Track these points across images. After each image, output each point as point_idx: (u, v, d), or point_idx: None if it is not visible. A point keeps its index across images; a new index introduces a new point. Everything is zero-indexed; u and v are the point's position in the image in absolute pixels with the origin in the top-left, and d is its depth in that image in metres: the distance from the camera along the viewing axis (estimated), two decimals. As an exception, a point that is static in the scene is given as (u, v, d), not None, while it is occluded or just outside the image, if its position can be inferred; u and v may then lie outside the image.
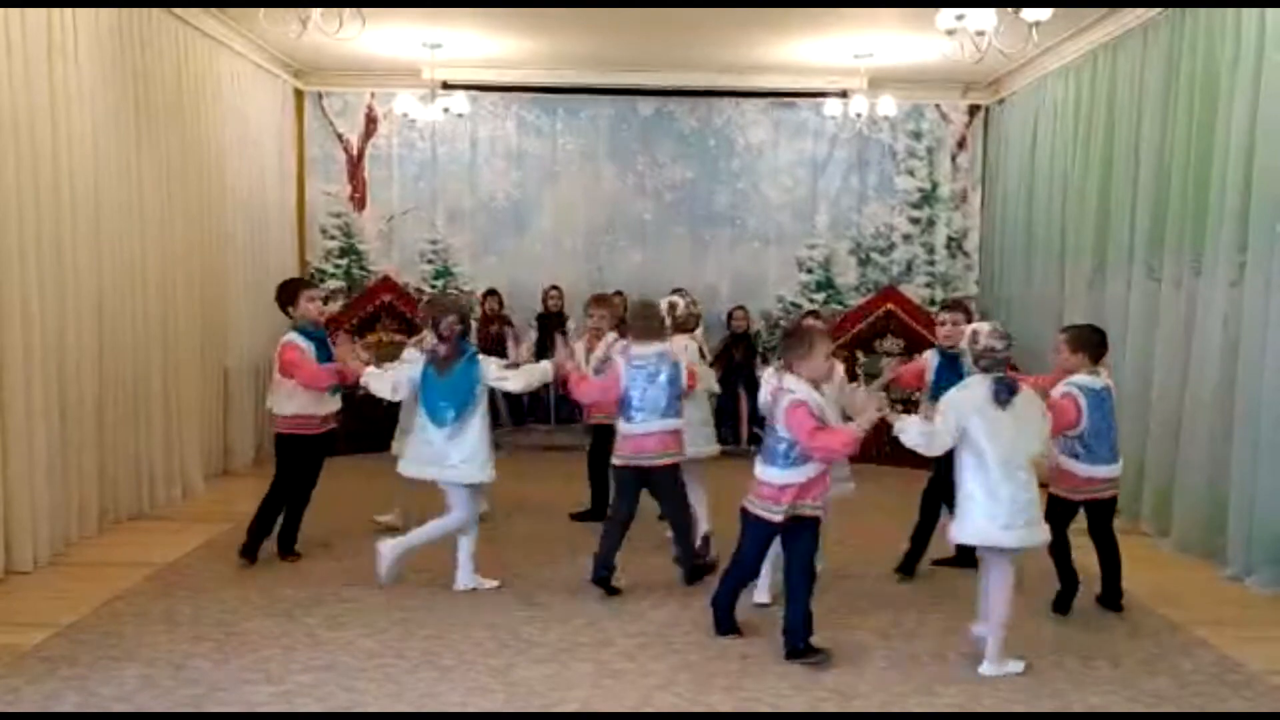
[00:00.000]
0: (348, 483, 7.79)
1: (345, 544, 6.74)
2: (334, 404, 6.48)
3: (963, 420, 4.74)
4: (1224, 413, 6.57)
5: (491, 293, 10.82)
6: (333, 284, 11.15)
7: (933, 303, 11.31)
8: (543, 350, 8.55)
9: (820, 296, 11.43)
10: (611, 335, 6.97)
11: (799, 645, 4.90)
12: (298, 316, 6.32)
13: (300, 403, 6.27)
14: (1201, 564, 6.62)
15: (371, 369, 6.04)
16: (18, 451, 6.06)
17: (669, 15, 8.56)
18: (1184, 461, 6.97)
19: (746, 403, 10.15)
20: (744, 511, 5.05)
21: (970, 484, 4.78)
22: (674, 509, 6.08)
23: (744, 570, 5.23)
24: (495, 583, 5.97)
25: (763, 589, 5.66)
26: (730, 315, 10.78)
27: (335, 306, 10.22)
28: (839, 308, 11.24)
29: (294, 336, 6.25)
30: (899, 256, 11.52)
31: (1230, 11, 6.69)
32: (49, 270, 6.40)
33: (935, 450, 4.82)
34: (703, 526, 6.45)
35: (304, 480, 6.44)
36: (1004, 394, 4.76)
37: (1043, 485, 5.13)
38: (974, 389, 4.82)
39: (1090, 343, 5.56)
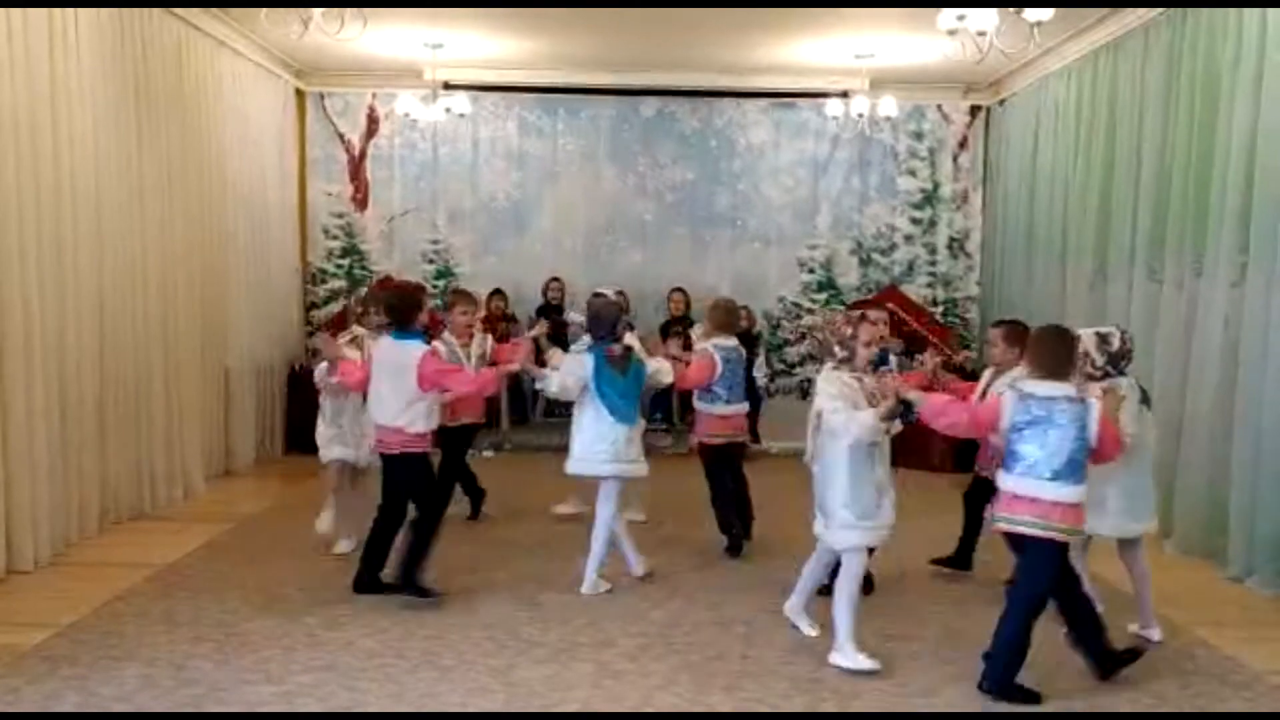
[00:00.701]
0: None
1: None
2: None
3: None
4: (1224, 413, 6.57)
5: (497, 292, 10.82)
6: (334, 284, 11.18)
7: (934, 303, 11.35)
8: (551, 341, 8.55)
9: (822, 297, 11.43)
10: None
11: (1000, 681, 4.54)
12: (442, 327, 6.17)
13: (436, 416, 5.85)
14: (1202, 565, 6.62)
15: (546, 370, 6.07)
16: (18, 451, 6.06)
17: (670, 16, 8.56)
18: (1185, 462, 6.96)
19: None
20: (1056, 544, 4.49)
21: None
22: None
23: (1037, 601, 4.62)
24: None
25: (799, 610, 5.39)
26: (731, 315, 10.75)
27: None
28: (840, 309, 11.24)
29: (427, 345, 5.87)
30: (900, 257, 11.52)
31: (1231, 11, 6.69)
32: (49, 270, 6.41)
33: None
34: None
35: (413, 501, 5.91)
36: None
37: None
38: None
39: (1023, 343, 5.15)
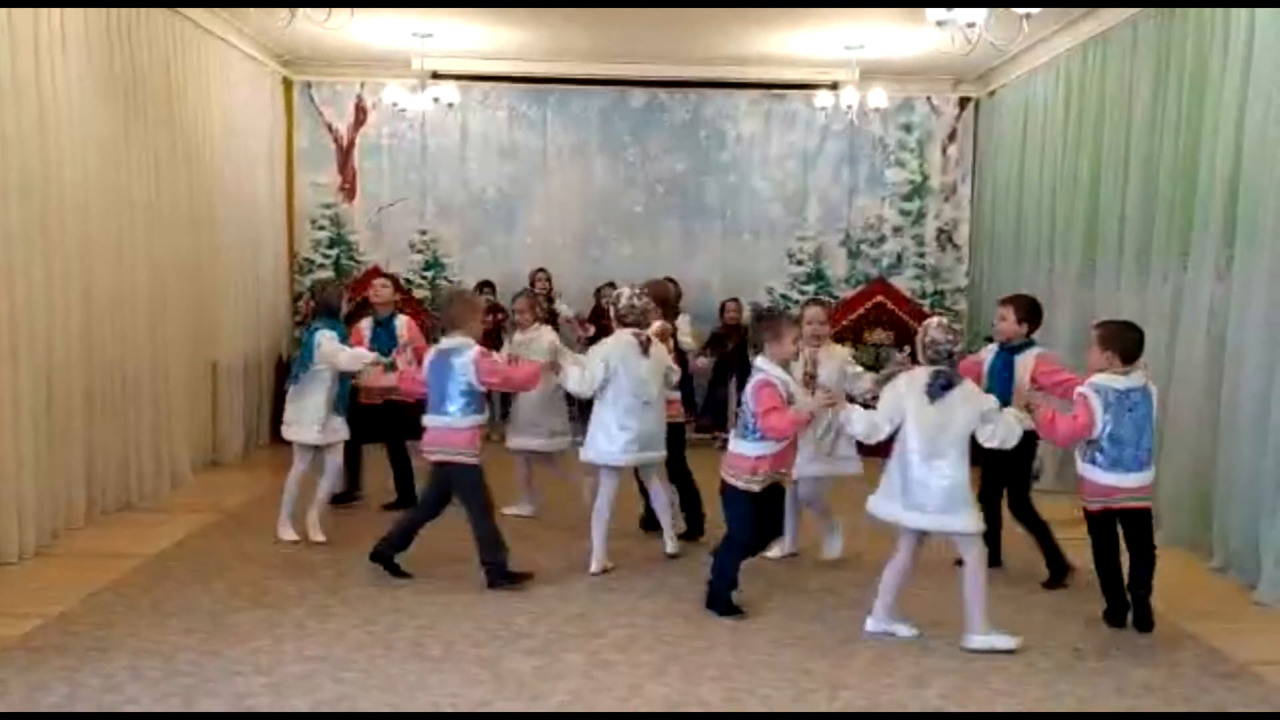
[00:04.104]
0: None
1: (335, 535, 6.73)
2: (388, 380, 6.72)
3: (901, 410, 5.05)
4: (1210, 405, 6.60)
5: (486, 284, 10.80)
6: (322, 274, 11.15)
7: (923, 295, 11.36)
8: None
9: (811, 288, 11.43)
10: (658, 323, 6.69)
11: (720, 600, 5.40)
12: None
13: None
14: (1188, 556, 6.65)
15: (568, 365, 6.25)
16: (4, 442, 6.03)
17: (660, 7, 8.54)
18: (1170, 455, 6.99)
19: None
20: (724, 486, 5.40)
21: (889, 470, 5.13)
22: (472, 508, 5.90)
23: (740, 544, 5.45)
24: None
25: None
26: (723, 307, 10.80)
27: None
28: (829, 299, 11.26)
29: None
30: (889, 249, 11.53)
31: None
32: (36, 259, 6.36)
33: (877, 439, 5.12)
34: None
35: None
36: (938, 388, 4.99)
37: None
38: (911, 380, 5.12)
39: (1123, 341, 5.19)
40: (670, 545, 6.47)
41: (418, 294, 11.20)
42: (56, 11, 6.60)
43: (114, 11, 7.39)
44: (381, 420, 7.46)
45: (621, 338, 6.21)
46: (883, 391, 5.32)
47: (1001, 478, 6.08)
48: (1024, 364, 5.89)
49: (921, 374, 5.08)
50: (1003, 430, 5.03)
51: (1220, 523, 6.41)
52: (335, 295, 6.91)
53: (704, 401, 10.47)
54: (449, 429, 5.79)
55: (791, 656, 4.88)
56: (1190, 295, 6.93)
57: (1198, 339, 6.79)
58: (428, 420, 5.88)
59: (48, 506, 6.49)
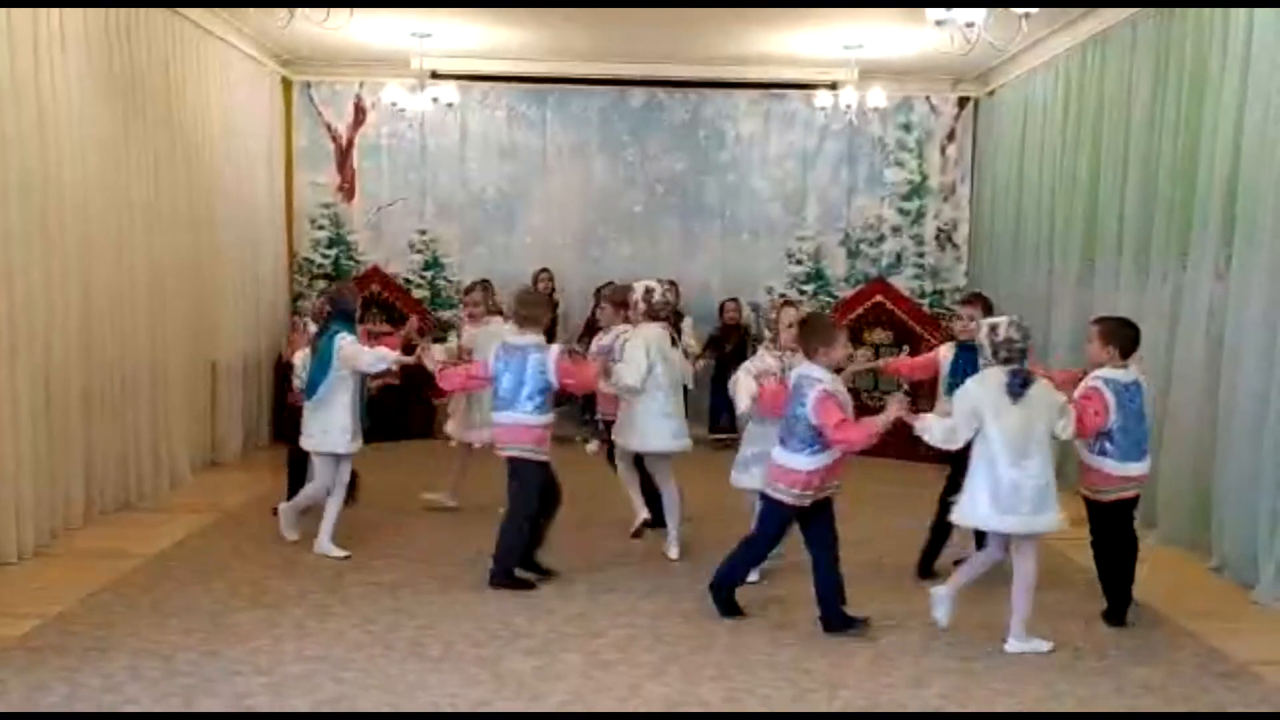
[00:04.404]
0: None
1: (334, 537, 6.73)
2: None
3: (979, 412, 4.90)
4: (1209, 405, 6.60)
5: (486, 284, 10.76)
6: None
7: (922, 295, 11.35)
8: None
9: (810, 288, 11.44)
10: (621, 326, 6.85)
11: (835, 616, 5.15)
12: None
13: None
14: (1187, 556, 6.66)
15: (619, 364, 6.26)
16: (4, 442, 6.02)
17: (659, 8, 8.54)
18: (1169, 454, 6.99)
19: None
20: (766, 497, 5.24)
21: (973, 473, 4.95)
22: (515, 508, 5.92)
23: (758, 552, 5.44)
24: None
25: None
26: (722, 307, 10.81)
27: None
28: (829, 299, 11.28)
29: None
30: (888, 248, 11.52)
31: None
32: (36, 259, 6.36)
33: (956, 445, 4.98)
34: (641, 512, 6.79)
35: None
36: (1018, 386, 4.90)
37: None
38: (985, 382, 4.97)
39: (1121, 337, 5.36)
40: (674, 550, 6.47)
41: (416, 294, 11.20)
42: (56, 11, 6.59)
43: (113, 11, 7.39)
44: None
45: (654, 330, 6.35)
46: (954, 397, 5.11)
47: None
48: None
49: (995, 374, 4.96)
50: (1072, 424, 5.08)
51: (1219, 522, 6.40)
52: (351, 298, 6.74)
53: (709, 405, 10.45)
54: (523, 425, 5.80)
55: (791, 656, 4.88)
56: (1189, 295, 6.93)
57: (1197, 338, 6.79)
58: (499, 417, 5.88)
59: (47, 506, 6.48)
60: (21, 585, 5.72)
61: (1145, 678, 4.73)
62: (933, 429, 5.01)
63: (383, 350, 6.43)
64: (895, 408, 4.95)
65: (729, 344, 10.50)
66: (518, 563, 5.87)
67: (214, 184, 9.14)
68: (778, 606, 5.57)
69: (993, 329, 5.05)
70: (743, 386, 5.64)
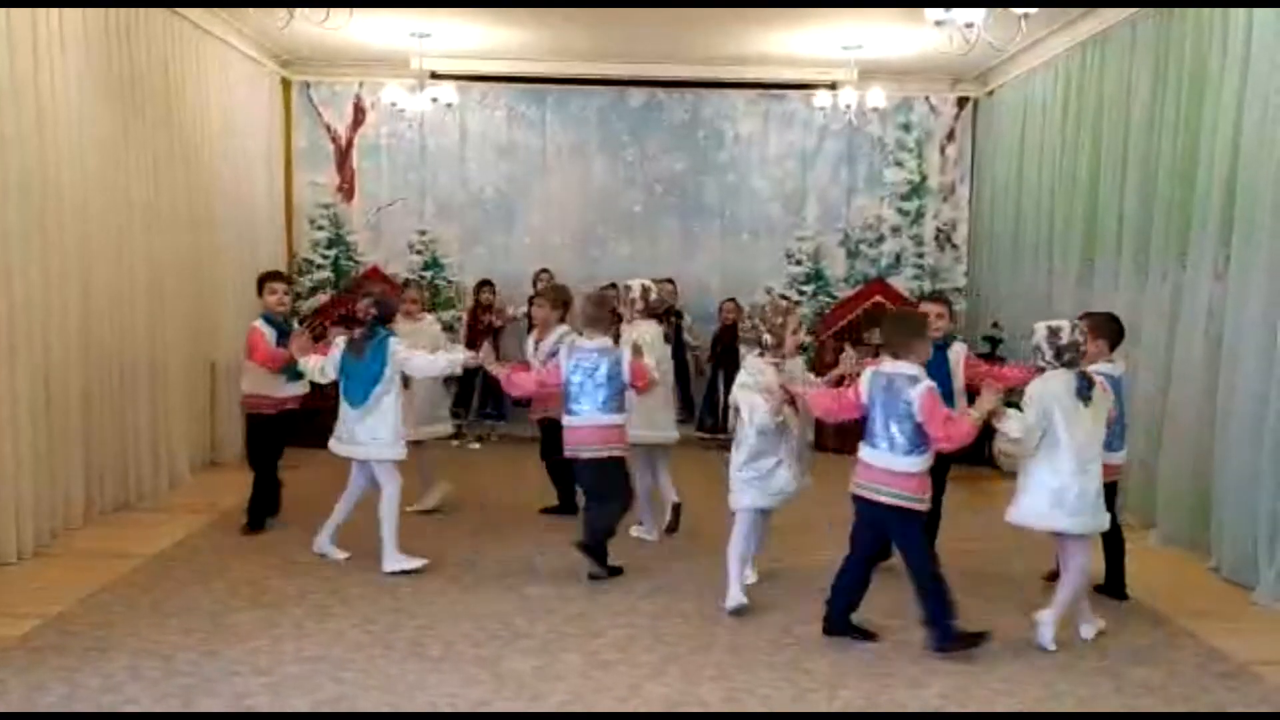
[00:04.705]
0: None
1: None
2: (292, 389, 6.95)
3: (1050, 412, 4.92)
4: (1208, 405, 6.61)
5: (486, 284, 10.79)
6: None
7: (921, 295, 11.33)
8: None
9: (809, 288, 11.43)
10: (563, 327, 7.12)
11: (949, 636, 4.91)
12: (263, 306, 6.95)
13: (254, 382, 6.90)
14: (1186, 556, 6.66)
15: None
16: (3, 442, 6.02)
17: (659, 8, 8.54)
18: (1168, 454, 7.00)
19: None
20: (899, 511, 4.89)
21: (1042, 473, 4.96)
22: (608, 501, 6.06)
23: (936, 574, 4.97)
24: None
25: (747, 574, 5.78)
26: (721, 307, 10.80)
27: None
28: (828, 299, 11.28)
29: (259, 322, 6.85)
30: (888, 249, 11.52)
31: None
32: (35, 259, 6.36)
33: (1031, 445, 4.96)
34: (670, 496, 7.00)
35: (265, 457, 6.98)
36: (1085, 388, 4.98)
37: None
38: (1056, 383, 4.98)
39: (1109, 331, 5.62)
40: (640, 531, 6.84)
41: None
42: (55, 11, 6.59)
43: (112, 11, 7.39)
44: (280, 430, 7.06)
45: (653, 327, 6.60)
46: (1025, 399, 5.03)
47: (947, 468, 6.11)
48: (955, 357, 6.06)
49: (1063, 378, 4.98)
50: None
51: (1218, 522, 6.40)
52: (395, 303, 6.62)
53: (703, 403, 10.47)
54: (602, 426, 5.99)
55: (791, 656, 4.88)
56: (1189, 295, 6.93)
57: (1196, 338, 6.79)
58: (574, 420, 6.01)
59: (46, 506, 6.48)
60: (21, 585, 5.72)
61: (1145, 678, 4.73)
62: (1014, 426, 4.94)
63: (457, 352, 6.57)
64: (990, 397, 4.86)
65: (725, 342, 10.49)
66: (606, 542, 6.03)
67: (213, 184, 9.13)
68: (777, 607, 5.56)
69: (1054, 332, 5.06)
70: (754, 404, 5.25)
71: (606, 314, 6.22)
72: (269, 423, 6.95)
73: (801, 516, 6.53)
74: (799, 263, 11.51)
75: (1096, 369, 5.34)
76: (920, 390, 4.79)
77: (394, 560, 6.00)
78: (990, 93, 11.08)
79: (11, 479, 6.08)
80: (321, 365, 6.24)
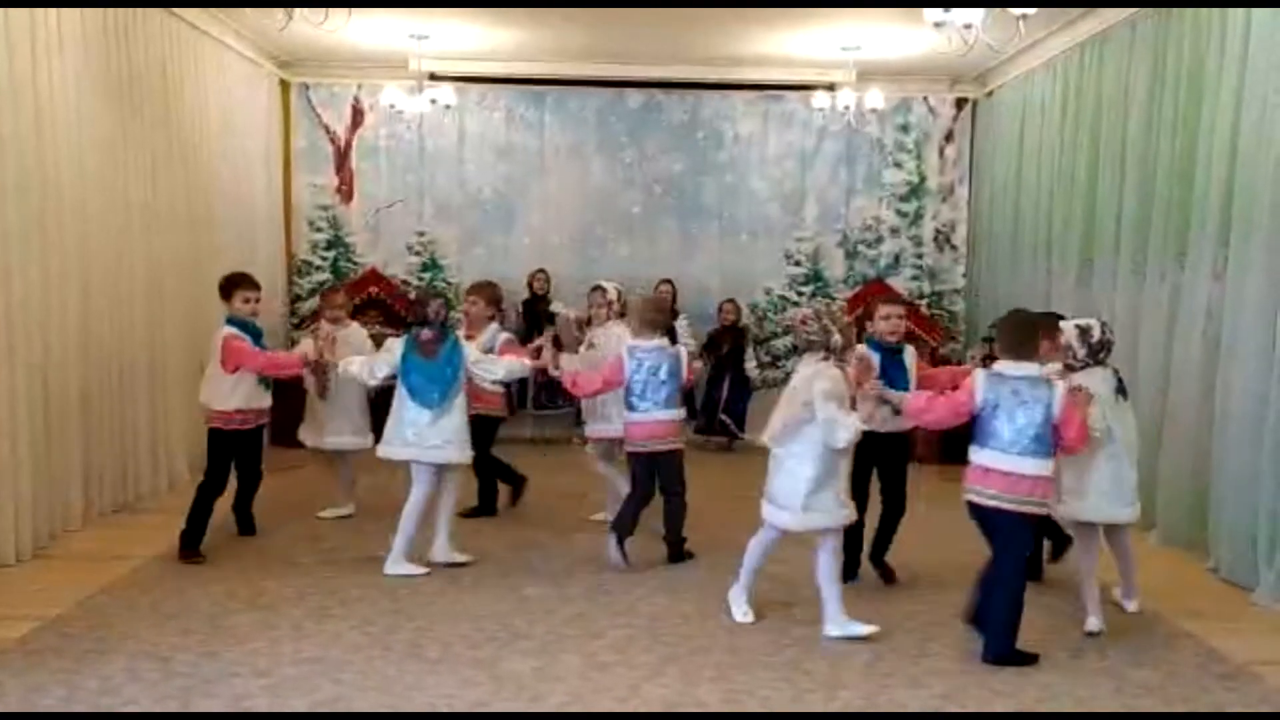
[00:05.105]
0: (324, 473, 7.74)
1: (332, 536, 6.72)
2: (268, 398, 6.59)
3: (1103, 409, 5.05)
4: (1206, 405, 6.60)
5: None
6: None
7: (921, 296, 11.36)
8: (529, 333, 9.33)
9: (808, 289, 11.43)
10: (494, 325, 7.14)
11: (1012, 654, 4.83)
12: (231, 311, 6.49)
13: (244, 396, 6.38)
14: (1186, 556, 6.66)
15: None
16: (1, 443, 6.01)
17: (657, 8, 8.54)
18: (1167, 454, 7.00)
19: (728, 393, 10.36)
20: (1016, 516, 4.77)
21: (1100, 469, 5.14)
22: (677, 494, 6.43)
23: (1022, 581, 4.89)
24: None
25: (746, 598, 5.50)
26: (720, 308, 10.80)
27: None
28: (828, 300, 11.26)
29: (231, 329, 6.39)
30: (887, 249, 11.51)
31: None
32: (34, 259, 6.35)
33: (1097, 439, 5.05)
34: (620, 488, 6.88)
35: (248, 475, 6.72)
36: (1120, 385, 5.16)
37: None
38: (1099, 382, 5.10)
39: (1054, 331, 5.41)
40: (602, 516, 7.00)
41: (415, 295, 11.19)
42: (53, 12, 6.59)
43: (111, 12, 7.39)
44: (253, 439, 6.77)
45: (625, 330, 6.66)
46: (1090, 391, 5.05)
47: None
48: (911, 360, 6.09)
49: (1102, 375, 5.15)
50: None
51: (1217, 523, 6.40)
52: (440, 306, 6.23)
53: (702, 404, 10.47)
54: (665, 422, 6.30)
55: (791, 657, 4.88)
56: (1187, 295, 6.93)
57: (1194, 339, 6.79)
58: (636, 416, 6.28)
59: (45, 508, 6.47)
60: (20, 587, 5.71)
61: (1145, 678, 4.72)
62: (1098, 420, 5.01)
63: (524, 359, 6.47)
64: (1083, 398, 4.86)
65: (726, 345, 10.50)
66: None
67: (212, 185, 9.13)
68: (777, 607, 5.56)
69: (1085, 331, 5.17)
70: (840, 419, 4.94)
71: (661, 318, 6.49)
72: (253, 439, 6.61)
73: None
74: (798, 264, 11.51)
75: (1051, 369, 5.21)
76: (1059, 392, 4.71)
77: (399, 564, 5.99)
78: (989, 93, 11.08)
79: (10, 480, 6.07)
80: (371, 366, 6.16)
